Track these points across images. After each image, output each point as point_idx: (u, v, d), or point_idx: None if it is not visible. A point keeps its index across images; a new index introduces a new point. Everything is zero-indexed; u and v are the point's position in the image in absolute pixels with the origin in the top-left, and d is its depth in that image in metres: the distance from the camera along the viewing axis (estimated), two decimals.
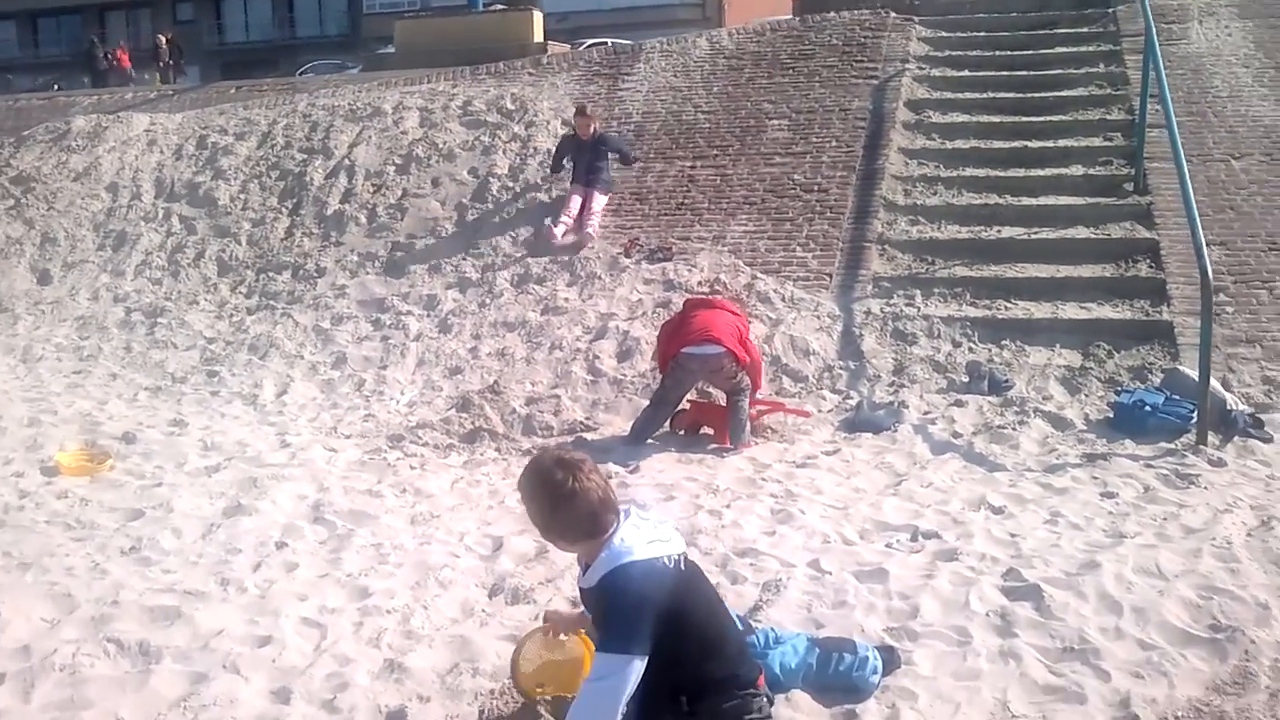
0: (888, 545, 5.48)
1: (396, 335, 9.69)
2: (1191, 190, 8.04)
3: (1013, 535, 5.60)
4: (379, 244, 11.17)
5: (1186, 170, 8.22)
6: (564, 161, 11.34)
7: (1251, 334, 8.59)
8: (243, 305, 10.65)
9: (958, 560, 5.22)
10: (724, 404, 7.74)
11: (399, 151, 12.48)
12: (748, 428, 7.50)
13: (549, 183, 11.49)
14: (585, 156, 11.11)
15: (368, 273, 10.79)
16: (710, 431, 7.78)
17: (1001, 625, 4.56)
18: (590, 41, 24.37)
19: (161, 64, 26.75)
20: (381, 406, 8.51)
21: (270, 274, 11.06)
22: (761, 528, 5.69)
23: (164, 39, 27.37)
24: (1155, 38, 10.08)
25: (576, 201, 10.92)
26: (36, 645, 4.35)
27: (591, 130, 11.16)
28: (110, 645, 4.33)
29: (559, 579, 5.03)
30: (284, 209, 12.03)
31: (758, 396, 7.96)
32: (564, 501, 3.05)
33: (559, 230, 10.72)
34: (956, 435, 7.53)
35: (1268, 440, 7.29)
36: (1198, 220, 7.63)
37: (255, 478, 6.50)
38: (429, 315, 9.98)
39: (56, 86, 29.00)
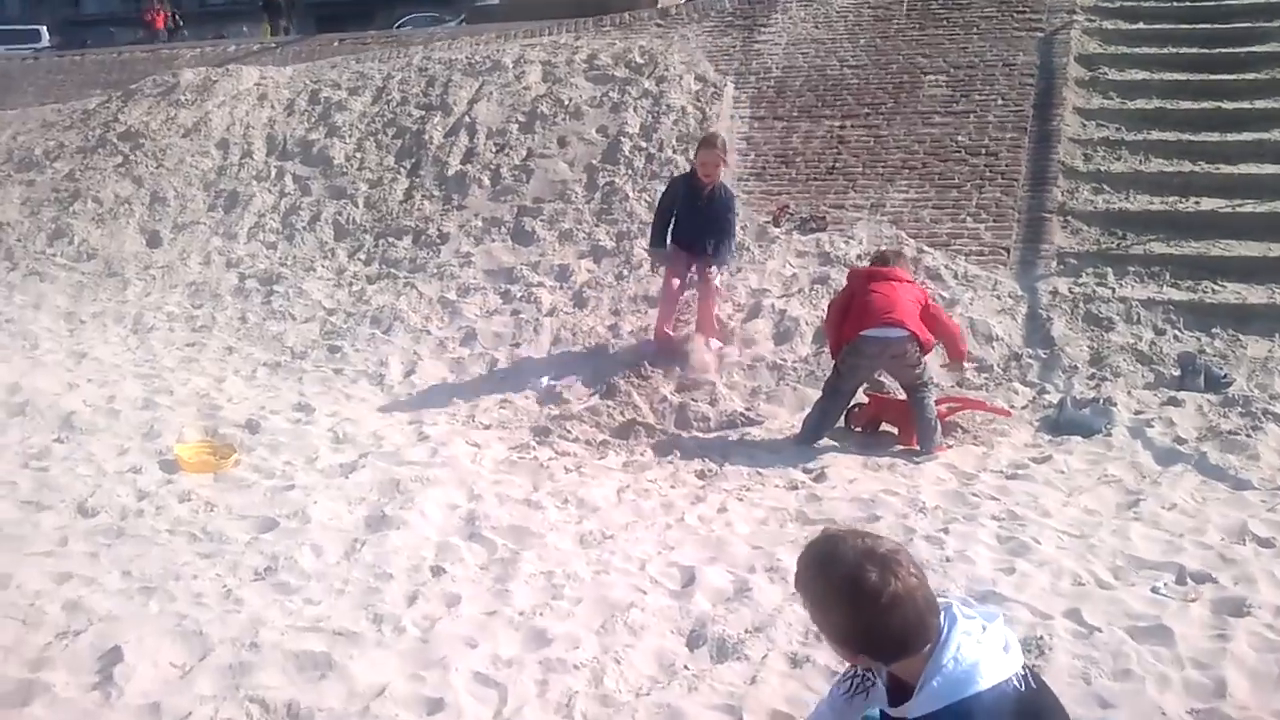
0: (1154, 590, 4.56)
1: (528, 309, 8.90)
2: None
3: None
4: (504, 208, 10.38)
5: None
6: (669, 218, 8.08)
7: None
8: (362, 273, 9.93)
9: (1250, 614, 4.29)
10: (904, 397, 6.80)
11: (522, 108, 11.66)
12: (938, 427, 6.57)
13: (655, 262, 8.56)
14: (700, 211, 7.90)
15: (493, 239, 10.01)
16: (894, 429, 6.88)
17: None
18: None
19: (274, 16, 26.03)
20: (518, 391, 7.74)
21: (390, 239, 10.34)
22: (994, 561, 4.80)
23: None
24: None
25: (677, 284, 8.08)
26: (167, 703, 3.63)
27: (719, 173, 7.93)
28: (254, 707, 3.60)
29: (769, 627, 4.20)
30: (402, 169, 11.30)
31: (948, 393, 7.06)
32: (883, 613, 2.27)
33: (668, 332, 8.15)
34: (1180, 441, 6.54)
35: None
36: None
37: (397, 479, 5.75)
38: (562, 287, 9.18)
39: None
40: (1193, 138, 9.79)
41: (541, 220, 10.09)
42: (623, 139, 10.85)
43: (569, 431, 6.70)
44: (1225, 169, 9.34)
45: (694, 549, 4.96)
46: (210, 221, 11.28)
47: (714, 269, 8.10)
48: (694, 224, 7.94)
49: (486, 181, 10.77)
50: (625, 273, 9.22)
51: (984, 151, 9.98)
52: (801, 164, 10.38)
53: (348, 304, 9.41)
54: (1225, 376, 7.32)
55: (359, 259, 10.20)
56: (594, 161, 10.71)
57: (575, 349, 8.34)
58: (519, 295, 9.12)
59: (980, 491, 5.72)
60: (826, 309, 7.33)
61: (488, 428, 6.94)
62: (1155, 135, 9.90)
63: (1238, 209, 8.89)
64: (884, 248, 8.12)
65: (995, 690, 2.27)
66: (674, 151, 10.56)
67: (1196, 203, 9.04)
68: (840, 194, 9.90)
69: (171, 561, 4.75)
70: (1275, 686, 3.82)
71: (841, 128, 10.72)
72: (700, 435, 6.91)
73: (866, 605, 2.26)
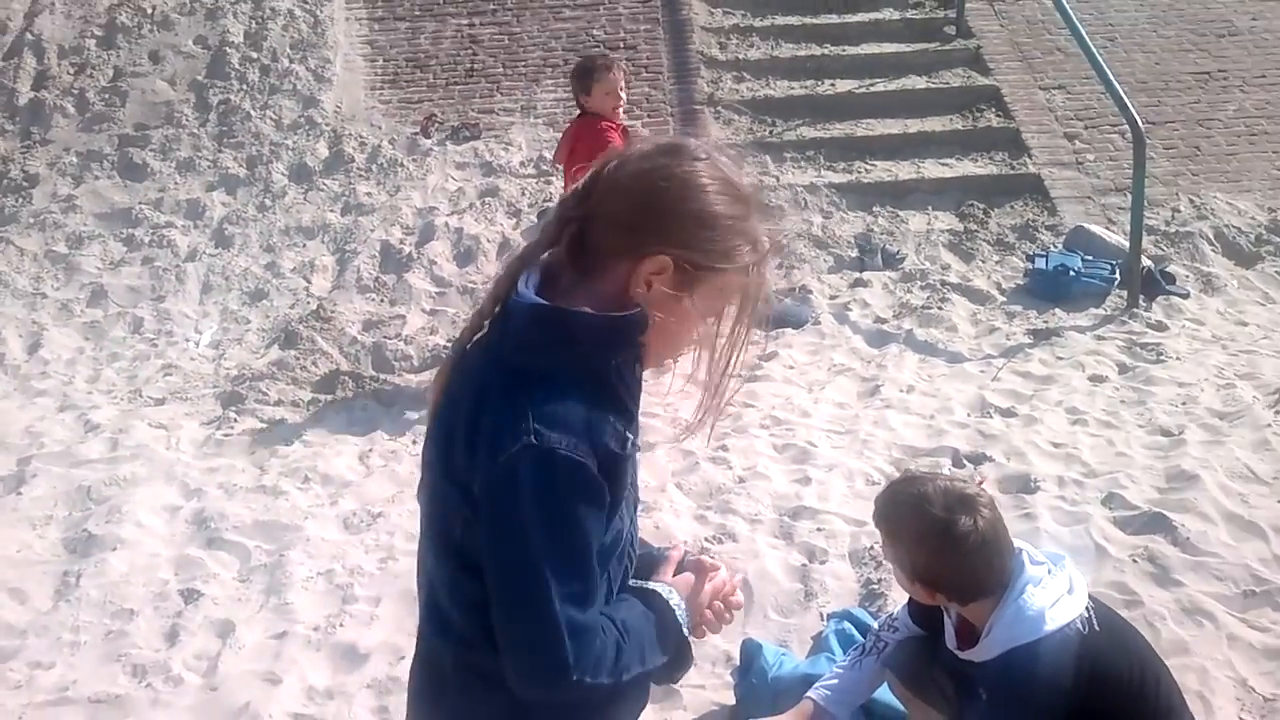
0: None
1: (163, 255, 7.73)
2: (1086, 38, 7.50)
3: (1057, 446, 4.89)
4: (102, 139, 8.92)
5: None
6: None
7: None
8: None
9: (1039, 489, 4.43)
10: None
11: (96, 21, 10.02)
12: None
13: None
14: None
15: (97, 176, 8.58)
16: None
17: (1158, 573, 3.82)
18: None
19: None
20: (179, 352, 6.69)
21: None
22: (788, 473, 4.67)
23: None
24: None
25: None
26: None
27: None
28: None
29: None
30: None
31: None
32: (970, 555, 2.37)
33: None
34: (880, 320, 6.75)
35: (1185, 295, 7.00)
36: (1108, 71, 7.15)
37: (85, 486, 4.73)
38: (197, 226, 8.05)
39: None
40: (814, 21, 10.03)
41: (152, 150, 8.77)
42: (228, 49, 9.62)
43: (265, 394, 5.84)
44: (850, 50, 9.65)
45: None
46: None
47: None
48: None
49: (71, 109, 9.21)
50: (268, 203, 8.22)
51: (622, 45, 9.75)
52: (437, 68, 9.67)
53: None
54: (898, 253, 7.64)
55: None
56: (199, 78, 9.44)
57: (233, 295, 7.36)
58: (146, 240, 7.90)
59: (734, 400, 5.58)
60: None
61: (162, 403, 5.92)
62: (779, 20, 10.05)
63: (871, 89, 9.25)
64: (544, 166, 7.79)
65: (1059, 633, 2.36)
66: (290, 61, 9.52)
67: (833, 85, 9.31)
68: (486, 98, 9.34)
69: None
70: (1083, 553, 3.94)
71: (471, 26, 10.08)
72: (410, 377, 6.28)
73: (953, 546, 2.35)
